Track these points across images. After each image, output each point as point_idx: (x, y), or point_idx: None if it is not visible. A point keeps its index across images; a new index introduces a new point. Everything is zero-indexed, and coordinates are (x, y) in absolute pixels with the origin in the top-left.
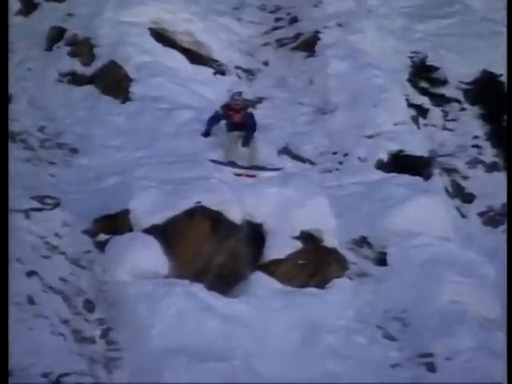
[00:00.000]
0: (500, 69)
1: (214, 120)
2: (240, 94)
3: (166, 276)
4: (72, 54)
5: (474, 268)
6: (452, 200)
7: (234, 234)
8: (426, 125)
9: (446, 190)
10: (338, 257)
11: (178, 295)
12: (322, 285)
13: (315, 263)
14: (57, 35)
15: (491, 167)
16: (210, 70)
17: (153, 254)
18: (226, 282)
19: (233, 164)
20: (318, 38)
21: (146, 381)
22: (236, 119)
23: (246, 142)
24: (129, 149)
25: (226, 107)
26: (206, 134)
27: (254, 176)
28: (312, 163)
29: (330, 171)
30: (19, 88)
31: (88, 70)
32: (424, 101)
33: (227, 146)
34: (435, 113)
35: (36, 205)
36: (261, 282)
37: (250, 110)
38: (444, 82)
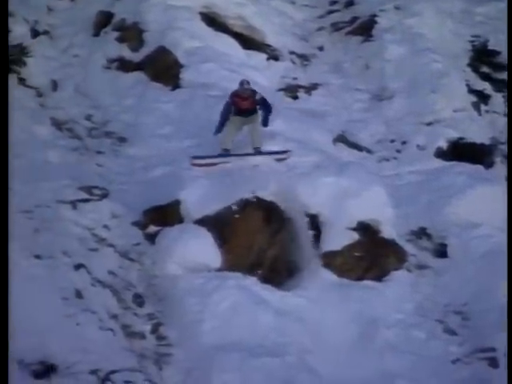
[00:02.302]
0: None
1: (226, 111)
2: (248, 82)
3: (217, 269)
4: (120, 40)
5: None
6: None
7: (288, 225)
8: (487, 111)
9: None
10: (395, 249)
11: (230, 289)
12: (379, 277)
13: (372, 255)
14: (104, 20)
15: None
16: (263, 56)
17: (204, 246)
18: (280, 274)
19: (225, 152)
20: (375, 22)
21: (197, 378)
22: (243, 106)
23: (265, 122)
24: (178, 138)
25: (235, 95)
26: (219, 128)
27: (214, 165)
28: (369, 151)
29: (388, 160)
30: (65, 75)
31: (136, 56)
32: (485, 86)
33: (227, 129)
34: (497, 99)
35: (83, 196)
36: (316, 274)
37: (259, 94)
38: (506, 67)
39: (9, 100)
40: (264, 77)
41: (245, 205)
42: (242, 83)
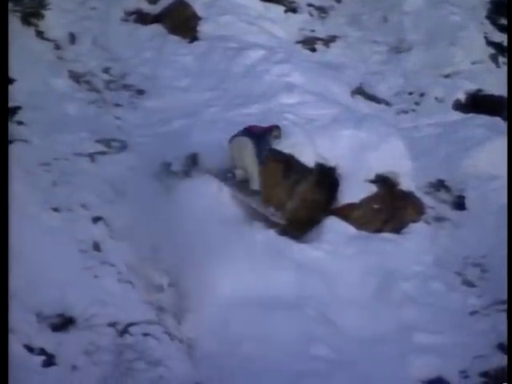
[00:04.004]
0: None
1: None
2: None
3: (236, 221)
4: None
5: None
6: None
7: (306, 177)
8: (505, 63)
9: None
10: (414, 201)
11: (249, 241)
12: (397, 230)
13: (391, 207)
14: None
15: None
16: (281, 8)
17: (223, 198)
18: (298, 227)
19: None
20: None
21: (215, 331)
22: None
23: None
24: (196, 90)
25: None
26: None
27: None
28: (387, 104)
29: (406, 112)
30: (82, 28)
31: (154, 9)
32: (503, 38)
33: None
34: None
35: (101, 148)
36: (334, 227)
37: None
38: None
39: (25, 53)
40: (282, 29)
41: (263, 157)
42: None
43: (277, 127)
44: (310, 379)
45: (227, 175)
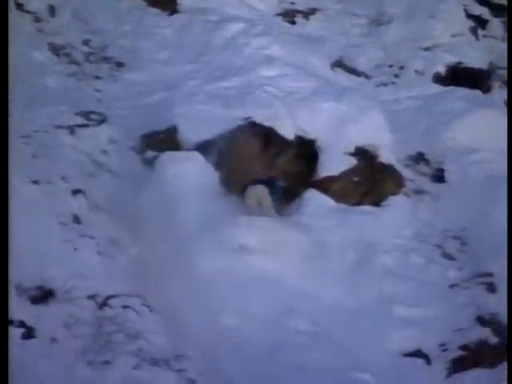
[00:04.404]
0: None
1: None
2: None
3: (216, 194)
4: None
5: None
6: None
7: (286, 150)
8: (485, 36)
9: (506, 104)
10: (393, 174)
11: (228, 215)
12: (377, 203)
13: (370, 180)
14: None
15: None
16: None
17: (202, 171)
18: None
19: None
20: None
21: (196, 303)
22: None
23: None
24: (176, 63)
25: None
26: None
27: None
28: (367, 77)
29: (386, 85)
30: (62, 0)
31: None
32: (483, 11)
33: None
34: (495, 24)
35: (81, 121)
36: (314, 199)
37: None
38: None
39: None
40: (262, 2)
41: (242, 130)
42: None
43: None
44: (290, 351)
45: None
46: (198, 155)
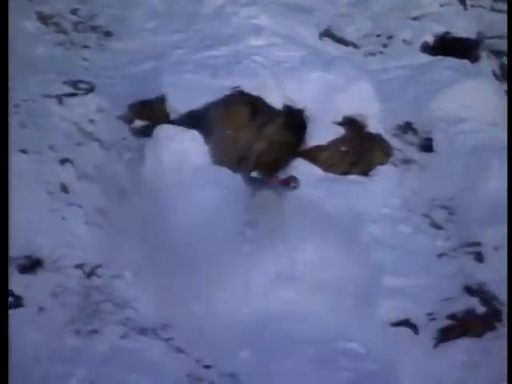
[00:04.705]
0: None
1: None
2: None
3: (205, 165)
4: None
5: None
6: (500, 83)
7: (274, 119)
8: (473, 6)
9: (494, 74)
10: (382, 143)
11: (217, 184)
12: (365, 172)
13: (358, 150)
14: None
15: None
16: None
17: (191, 142)
18: (266, 169)
19: None
20: None
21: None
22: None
23: None
24: (165, 32)
25: None
26: None
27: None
28: (355, 46)
29: (374, 54)
30: None
31: None
32: None
33: None
34: None
35: (69, 90)
36: (302, 169)
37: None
38: None
39: None
40: None
41: (230, 99)
42: None
43: (293, 177)
44: (278, 322)
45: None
46: (186, 125)
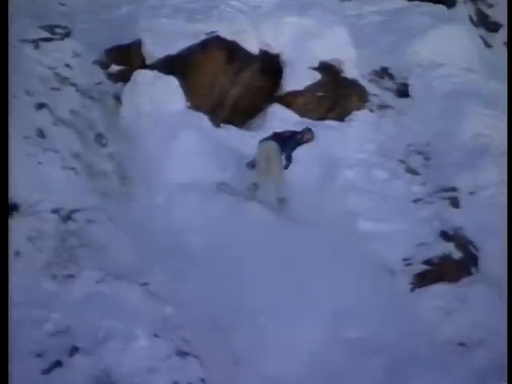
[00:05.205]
0: None
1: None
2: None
3: (181, 110)
4: None
5: (499, 99)
6: (477, 29)
7: (250, 64)
8: None
9: (471, 19)
10: (358, 88)
11: (193, 129)
12: (341, 117)
13: (334, 95)
14: None
15: None
16: None
17: (167, 87)
18: (242, 114)
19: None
20: None
21: (159, 215)
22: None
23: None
24: None
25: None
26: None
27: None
28: None
29: (350, 0)
30: None
31: None
32: None
33: None
34: None
35: (45, 35)
36: (278, 114)
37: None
38: None
39: None
40: None
41: (206, 44)
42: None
43: (309, 130)
44: (252, 267)
45: (249, 188)
46: (162, 70)
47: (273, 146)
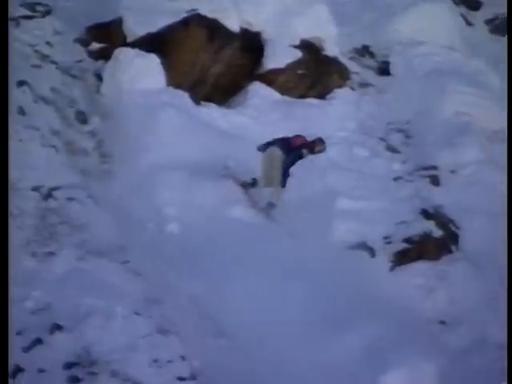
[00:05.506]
0: None
1: None
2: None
3: (161, 88)
4: None
5: (479, 78)
6: (458, 7)
7: (231, 42)
8: None
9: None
10: (338, 66)
11: (174, 107)
12: (322, 95)
13: (315, 73)
14: None
15: None
16: None
17: (148, 65)
18: (223, 92)
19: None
20: None
21: (140, 195)
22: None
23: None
24: None
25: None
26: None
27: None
28: None
29: None
30: None
31: None
32: None
33: None
34: None
35: (26, 12)
36: (259, 92)
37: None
38: None
39: None
40: None
41: (187, 22)
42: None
43: (321, 140)
44: (230, 242)
45: (250, 181)
46: (144, 47)
47: (277, 153)
